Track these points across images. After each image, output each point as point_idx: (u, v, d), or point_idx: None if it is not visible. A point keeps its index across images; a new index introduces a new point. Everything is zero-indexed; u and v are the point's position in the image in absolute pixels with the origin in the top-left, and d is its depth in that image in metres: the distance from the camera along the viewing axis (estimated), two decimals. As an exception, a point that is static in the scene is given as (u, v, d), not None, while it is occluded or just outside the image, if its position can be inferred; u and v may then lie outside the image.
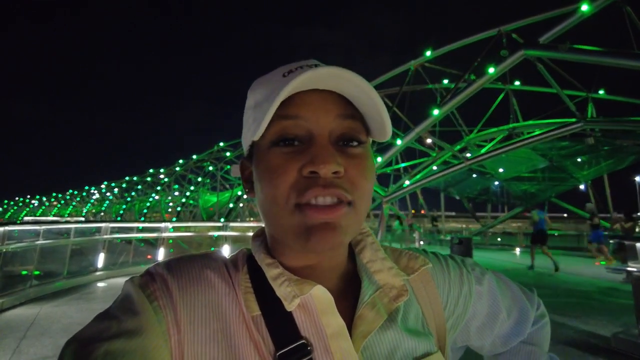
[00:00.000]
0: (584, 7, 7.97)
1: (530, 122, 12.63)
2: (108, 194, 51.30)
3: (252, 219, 28.96)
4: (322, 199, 0.46)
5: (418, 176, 13.39)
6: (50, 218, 67.91)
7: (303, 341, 0.47)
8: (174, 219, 24.10)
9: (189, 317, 0.47)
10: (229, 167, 27.12)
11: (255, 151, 0.53)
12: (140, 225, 11.49)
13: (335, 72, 0.46)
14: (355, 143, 0.50)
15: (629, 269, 4.34)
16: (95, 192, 57.31)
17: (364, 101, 0.49)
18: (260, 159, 0.50)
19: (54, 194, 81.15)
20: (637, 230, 7.80)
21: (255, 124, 0.49)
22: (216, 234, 11.18)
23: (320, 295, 0.50)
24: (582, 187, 15.80)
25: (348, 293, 0.55)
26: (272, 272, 0.51)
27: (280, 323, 0.49)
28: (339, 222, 0.47)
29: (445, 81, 13.75)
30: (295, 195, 0.46)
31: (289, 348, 0.46)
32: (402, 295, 0.54)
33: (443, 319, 0.60)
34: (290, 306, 0.48)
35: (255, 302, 0.50)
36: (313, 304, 0.50)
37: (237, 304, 0.50)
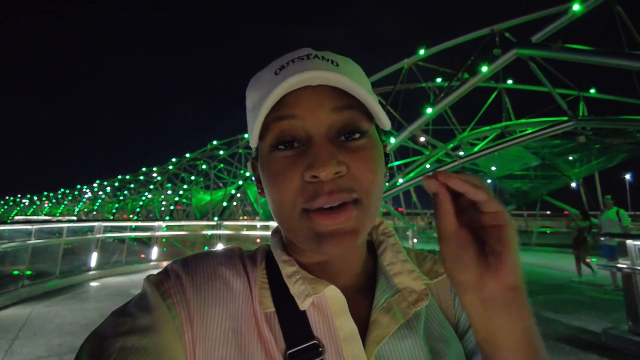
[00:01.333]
0: (576, 7, 8.03)
1: (523, 120, 12.68)
2: (100, 192, 50.93)
3: (245, 217, 28.88)
4: (330, 206, 0.45)
5: (411, 174, 13.45)
6: (42, 217, 67.27)
7: (315, 342, 0.47)
8: (167, 217, 23.96)
9: (201, 314, 0.47)
10: (222, 165, 27.03)
11: (259, 154, 0.52)
12: (134, 224, 11.41)
13: (316, 75, 0.46)
14: (357, 135, 0.48)
15: (619, 265, 4.40)
16: (88, 191, 56.90)
17: (356, 91, 0.48)
18: (264, 163, 0.50)
19: (45, 193, 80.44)
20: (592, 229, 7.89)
21: (252, 130, 0.49)
22: (210, 232, 11.15)
23: (333, 296, 0.49)
24: (573, 185, 15.94)
25: (367, 294, 0.54)
26: (287, 270, 0.51)
27: (293, 321, 0.48)
28: (349, 225, 0.46)
29: (439, 80, 13.77)
30: (302, 200, 0.46)
31: (299, 347, 0.46)
32: (421, 300, 0.52)
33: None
34: (303, 305, 0.48)
35: (270, 298, 0.50)
36: (327, 305, 0.49)
37: (251, 302, 0.50)
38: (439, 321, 0.55)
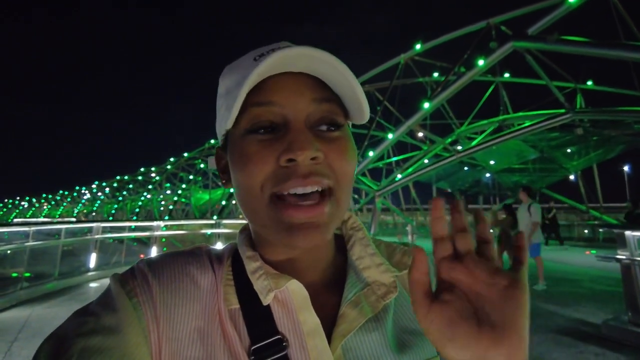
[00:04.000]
0: (571, -1, 8.02)
1: (521, 113, 12.70)
2: (99, 193, 50.84)
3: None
4: (302, 189, 0.45)
5: (410, 169, 13.44)
6: (41, 219, 67.16)
7: (279, 337, 0.46)
8: (167, 217, 23.96)
9: (167, 314, 0.46)
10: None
11: (229, 140, 0.51)
12: (133, 224, 11.40)
13: (306, 52, 0.44)
14: (333, 127, 0.48)
15: (618, 257, 4.39)
16: (86, 192, 56.78)
17: (339, 82, 0.47)
18: (235, 148, 0.48)
19: (44, 195, 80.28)
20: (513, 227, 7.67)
21: (227, 112, 0.47)
22: (209, 231, 11.14)
23: (296, 291, 0.48)
24: (572, 177, 15.97)
25: (336, 289, 0.53)
26: (251, 266, 0.50)
27: (257, 317, 0.47)
28: (322, 220, 0.46)
29: (436, 74, 13.76)
30: (272, 184, 0.45)
31: (263, 343, 0.45)
32: (390, 292, 0.51)
33: None
34: (265, 300, 0.47)
35: (235, 295, 0.49)
36: (291, 300, 0.48)
37: (216, 299, 0.49)
38: (408, 312, 0.54)
